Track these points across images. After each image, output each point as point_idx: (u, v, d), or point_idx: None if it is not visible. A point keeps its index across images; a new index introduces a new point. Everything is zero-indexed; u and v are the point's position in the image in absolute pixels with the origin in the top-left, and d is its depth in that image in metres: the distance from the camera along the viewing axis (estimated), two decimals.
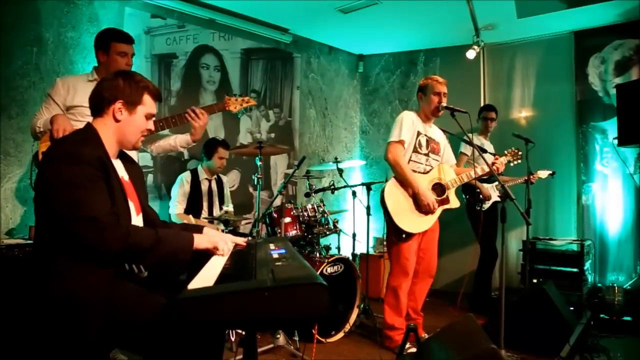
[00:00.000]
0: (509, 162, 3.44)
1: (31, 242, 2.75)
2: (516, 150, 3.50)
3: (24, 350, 1.41)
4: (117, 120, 1.66)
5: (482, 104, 5.06)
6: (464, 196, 4.20)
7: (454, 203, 3.24)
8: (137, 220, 1.71)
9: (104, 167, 1.53)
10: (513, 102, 4.99)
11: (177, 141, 2.79)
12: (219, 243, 1.66)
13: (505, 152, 3.49)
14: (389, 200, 3.04)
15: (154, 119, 1.78)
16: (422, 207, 3.07)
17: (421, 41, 5.25)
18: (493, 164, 3.25)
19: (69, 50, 3.59)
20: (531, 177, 3.98)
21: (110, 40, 2.55)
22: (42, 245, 1.51)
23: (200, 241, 1.62)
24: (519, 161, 3.52)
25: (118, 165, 1.72)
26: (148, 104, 1.71)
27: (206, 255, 1.64)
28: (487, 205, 4.13)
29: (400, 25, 4.75)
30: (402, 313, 3.19)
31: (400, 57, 5.62)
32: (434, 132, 3.33)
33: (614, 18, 4.34)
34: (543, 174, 4.16)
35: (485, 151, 3.73)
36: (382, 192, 3.08)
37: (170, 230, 1.68)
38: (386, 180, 3.18)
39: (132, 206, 1.68)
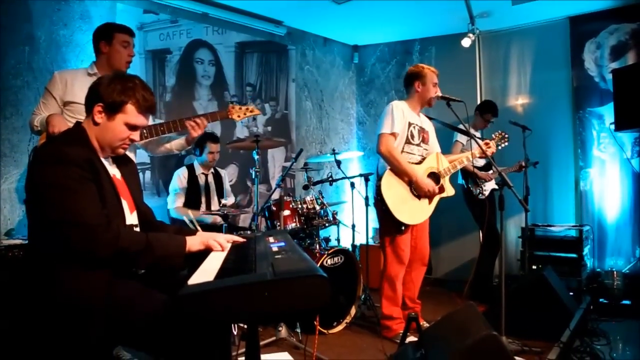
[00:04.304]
0: (497, 145, 3.44)
1: None
2: (503, 133, 3.49)
3: (26, 351, 1.41)
4: (95, 123, 1.62)
5: (478, 92, 5.07)
6: (464, 184, 4.20)
7: (449, 191, 3.26)
8: (131, 218, 1.70)
9: (93, 168, 1.51)
10: (509, 89, 4.98)
11: (172, 145, 2.79)
12: (213, 245, 1.64)
13: (493, 135, 3.49)
14: (386, 194, 3.03)
15: (139, 130, 1.67)
16: (422, 194, 3.09)
17: (416, 30, 5.23)
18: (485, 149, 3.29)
19: (62, 48, 3.56)
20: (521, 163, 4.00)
21: (114, 31, 2.56)
22: (37, 244, 1.51)
23: (193, 244, 1.61)
24: (506, 143, 3.50)
25: (109, 163, 1.70)
26: (130, 114, 1.61)
27: (206, 250, 1.64)
28: (487, 191, 4.14)
29: (395, 15, 4.73)
30: (399, 302, 3.21)
31: (395, 46, 5.59)
32: (424, 121, 3.33)
33: (609, 2, 4.33)
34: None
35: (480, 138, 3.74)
36: (379, 186, 3.07)
37: (162, 234, 1.66)
38: (377, 172, 3.18)
39: (126, 204, 1.67)
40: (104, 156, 1.66)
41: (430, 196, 3.12)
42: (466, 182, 4.19)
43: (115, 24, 2.67)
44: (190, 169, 3.84)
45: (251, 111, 2.75)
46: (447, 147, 3.93)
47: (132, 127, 1.64)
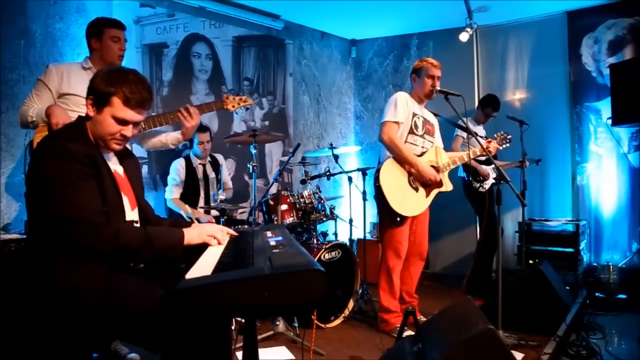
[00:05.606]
0: (500, 144, 3.47)
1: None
2: (505, 134, 3.51)
3: (24, 346, 1.41)
4: (88, 117, 1.61)
5: (476, 87, 5.06)
6: (466, 177, 4.20)
7: (447, 186, 3.26)
8: (132, 215, 1.70)
9: (94, 164, 1.51)
10: (507, 83, 4.97)
11: (167, 139, 2.74)
12: (210, 240, 1.65)
13: (495, 135, 3.51)
14: (384, 183, 3.03)
15: (130, 126, 1.60)
16: (424, 182, 3.12)
17: (414, 25, 5.21)
18: (486, 147, 3.27)
19: (58, 42, 3.54)
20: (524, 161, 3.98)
21: (103, 27, 2.54)
22: (37, 239, 1.51)
23: (191, 237, 1.61)
24: (508, 144, 3.54)
25: (112, 159, 1.70)
26: (116, 107, 1.55)
27: (203, 244, 1.64)
28: (487, 185, 4.14)
29: (392, 9, 4.70)
30: (396, 295, 3.23)
31: (393, 41, 5.57)
32: (428, 113, 3.34)
33: None
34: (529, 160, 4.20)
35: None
36: (377, 175, 3.07)
37: (160, 228, 1.66)
38: (379, 163, 3.18)
39: (127, 201, 1.67)
40: (104, 151, 1.65)
41: (430, 185, 3.12)
42: (467, 174, 4.19)
43: (105, 18, 2.62)
44: (187, 160, 3.83)
45: (245, 101, 2.79)
46: (448, 142, 3.92)
47: (121, 122, 1.58)
